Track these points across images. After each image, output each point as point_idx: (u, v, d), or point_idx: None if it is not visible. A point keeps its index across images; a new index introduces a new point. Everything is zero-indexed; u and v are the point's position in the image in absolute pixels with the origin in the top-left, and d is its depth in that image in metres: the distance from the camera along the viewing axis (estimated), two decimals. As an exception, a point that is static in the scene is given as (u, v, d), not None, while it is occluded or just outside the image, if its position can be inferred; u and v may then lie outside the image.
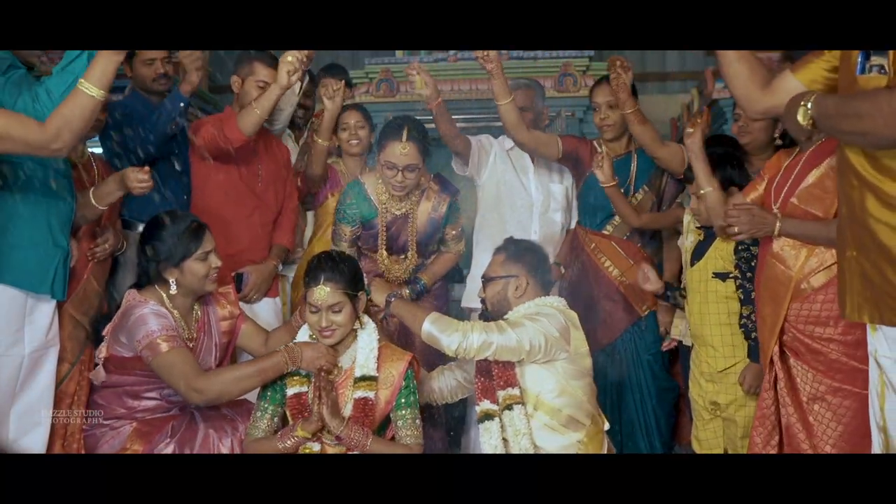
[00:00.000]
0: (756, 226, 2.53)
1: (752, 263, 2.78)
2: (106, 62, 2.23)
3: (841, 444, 2.36)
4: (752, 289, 2.77)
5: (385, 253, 3.13)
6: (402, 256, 3.18)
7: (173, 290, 2.60)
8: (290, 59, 2.86)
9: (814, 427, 2.42)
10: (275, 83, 2.93)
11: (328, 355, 2.49)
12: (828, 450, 2.39)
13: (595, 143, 3.47)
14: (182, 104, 3.00)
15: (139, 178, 2.62)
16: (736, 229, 2.58)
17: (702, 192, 2.80)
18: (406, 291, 3.12)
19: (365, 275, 2.69)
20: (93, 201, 2.68)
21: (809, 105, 1.82)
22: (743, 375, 2.85)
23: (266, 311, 3.28)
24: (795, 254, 2.48)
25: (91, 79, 2.23)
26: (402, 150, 2.96)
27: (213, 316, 2.75)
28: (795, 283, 2.46)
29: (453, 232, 3.25)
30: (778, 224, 2.49)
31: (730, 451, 2.95)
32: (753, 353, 2.80)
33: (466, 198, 3.46)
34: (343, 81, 3.35)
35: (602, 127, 3.38)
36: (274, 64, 3.11)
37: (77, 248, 2.68)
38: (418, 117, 3.17)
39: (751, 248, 2.80)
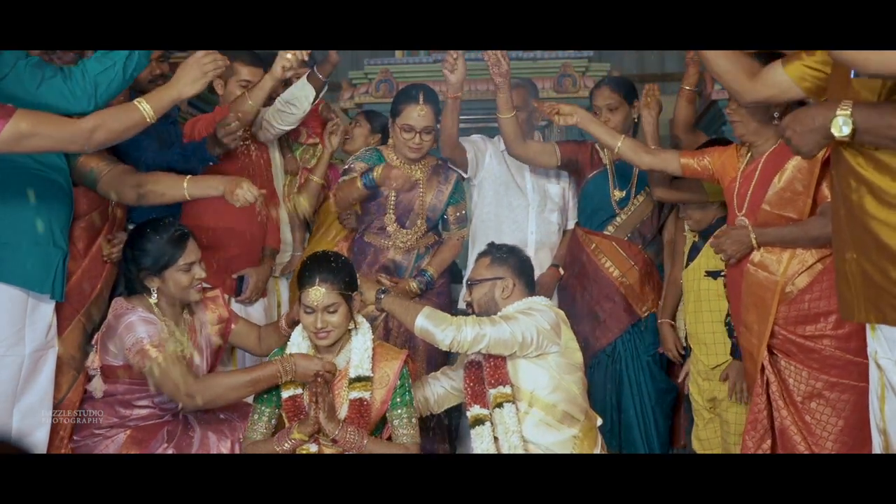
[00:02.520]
0: (737, 244, 2.55)
1: None
2: (170, 95, 2.36)
3: (843, 438, 2.37)
4: None
5: (393, 216, 3.16)
6: (410, 223, 3.20)
7: (154, 298, 2.59)
8: (290, 55, 2.86)
9: (811, 426, 2.42)
10: (269, 75, 2.93)
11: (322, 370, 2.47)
12: (829, 446, 2.39)
13: (595, 145, 3.47)
14: (210, 163, 2.95)
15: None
16: (722, 257, 2.64)
17: (616, 149, 2.87)
18: (414, 284, 3.13)
19: (361, 271, 2.69)
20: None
21: (850, 116, 1.75)
22: (726, 373, 2.88)
23: (258, 311, 3.30)
24: (777, 258, 2.50)
25: (151, 100, 2.32)
26: (419, 113, 3.09)
27: (203, 321, 2.74)
28: (781, 287, 2.47)
29: (457, 214, 3.30)
30: (752, 236, 2.51)
31: (721, 451, 2.96)
32: (737, 350, 2.84)
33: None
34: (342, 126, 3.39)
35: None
36: (255, 62, 3.13)
37: (88, 258, 2.68)
38: None
39: None
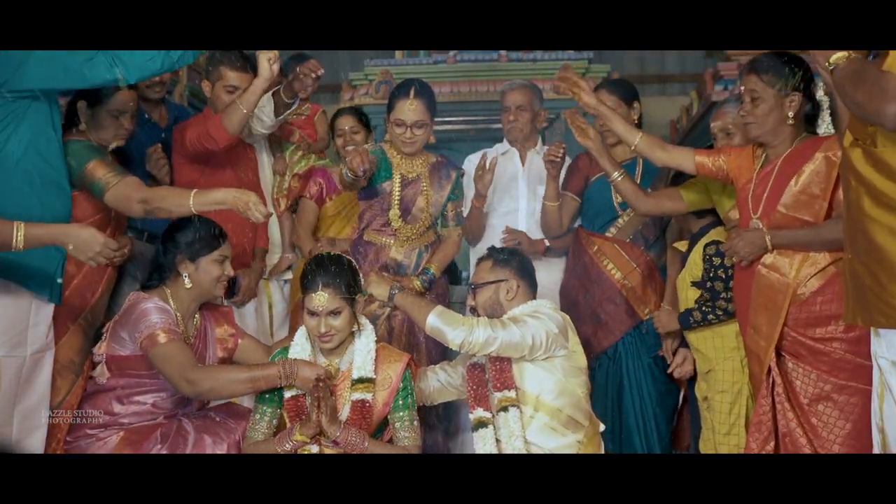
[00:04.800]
0: (751, 246, 2.54)
1: (716, 262, 2.85)
2: (53, 239, 2.30)
3: (850, 441, 2.36)
4: (721, 291, 2.83)
5: (398, 212, 3.17)
6: (413, 218, 3.21)
7: (187, 283, 2.61)
8: (270, 55, 2.81)
9: (818, 429, 2.41)
10: (258, 78, 2.87)
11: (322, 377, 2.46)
12: (836, 449, 2.38)
13: None
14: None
15: None
16: (735, 259, 2.62)
17: (633, 145, 2.87)
18: (417, 283, 3.14)
19: (362, 271, 2.68)
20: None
21: (842, 59, 1.83)
22: (660, 318, 3.00)
23: (250, 312, 3.31)
24: (790, 261, 2.49)
25: (30, 233, 2.24)
26: (409, 107, 3.07)
27: (211, 331, 2.75)
28: (793, 289, 2.47)
29: (456, 210, 3.30)
30: (767, 238, 2.51)
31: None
32: (684, 318, 2.94)
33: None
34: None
35: (604, 133, 3.38)
36: (242, 67, 3.09)
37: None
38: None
39: (719, 246, 2.87)
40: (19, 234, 2.23)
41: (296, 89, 3.03)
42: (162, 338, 2.48)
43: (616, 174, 3.02)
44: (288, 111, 3.16)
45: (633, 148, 2.90)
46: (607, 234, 3.37)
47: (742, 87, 2.59)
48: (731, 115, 2.89)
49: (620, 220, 3.36)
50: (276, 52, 2.82)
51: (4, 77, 2.33)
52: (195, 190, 2.62)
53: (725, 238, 2.80)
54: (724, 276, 2.82)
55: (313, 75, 2.98)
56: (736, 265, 2.67)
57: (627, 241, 3.36)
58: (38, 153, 2.44)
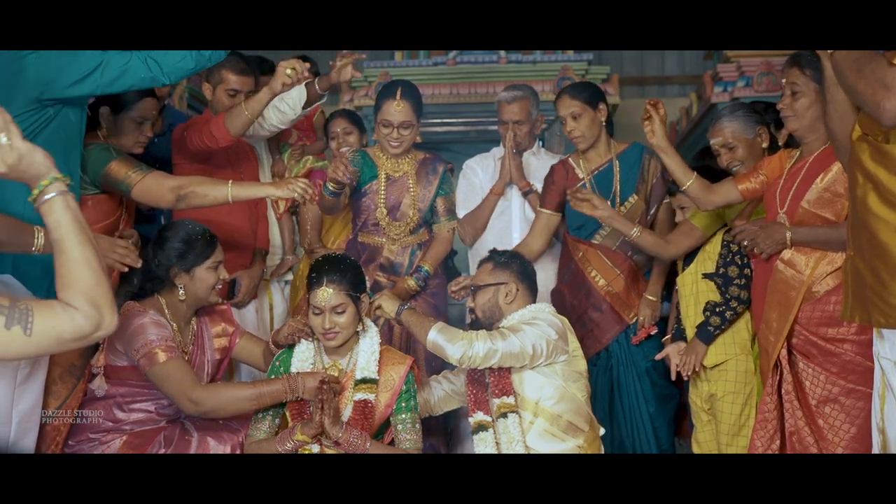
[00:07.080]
0: (770, 240, 2.54)
1: (734, 248, 2.85)
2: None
3: (854, 445, 2.36)
4: (734, 277, 2.83)
5: (384, 211, 3.19)
6: (401, 215, 3.23)
7: (181, 295, 2.60)
8: (289, 71, 2.80)
9: (823, 430, 2.42)
10: (268, 87, 2.88)
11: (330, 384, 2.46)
12: (839, 452, 2.38)
13: (570, 160, 3.41)
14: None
15: None
16: (756, 251, 2.61)
17: (684, 187, 2.81)
18: (412, 282, 3.14)
19: (369, 286, 2.68)
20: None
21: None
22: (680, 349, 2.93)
23: (250, 313, 3.31)
24: (806, 259, 2.50)
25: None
26: (396, 108, 3.11)
27: (207, 332, 2.75)
28: (807, 286, 2.47)
29: (446, 206, 3.31)
30: (789, 234, 2.51)
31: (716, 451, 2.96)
32: (703, 332, 2.88)
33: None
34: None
35: (572, 140, 3.34)
36: (245, 71, 3.12)
37: None
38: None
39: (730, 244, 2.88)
40: (40, 236, 2.24)
41: (333, 81, 3.06)
42: (161, 356, 2.46)
43: (634, 231, 2.99)
44: (316, 103, 3.19)
45: (683, 188, 2.81)
46: (593, 240, 3.32)
47: (783, 81, 2.58)
48: (728, 129, 2.88)
49: (604, 229, 3.29)
50: (295, 68, 2.80)
51: (41, 88, 2.33)
52: (232, 180, 2.68)
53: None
54: (739, 262, 2.83)
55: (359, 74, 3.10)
56: (756, 260, 2.67)
57: (614, 248, 3.31)
58: (56, 159, 2.43)
